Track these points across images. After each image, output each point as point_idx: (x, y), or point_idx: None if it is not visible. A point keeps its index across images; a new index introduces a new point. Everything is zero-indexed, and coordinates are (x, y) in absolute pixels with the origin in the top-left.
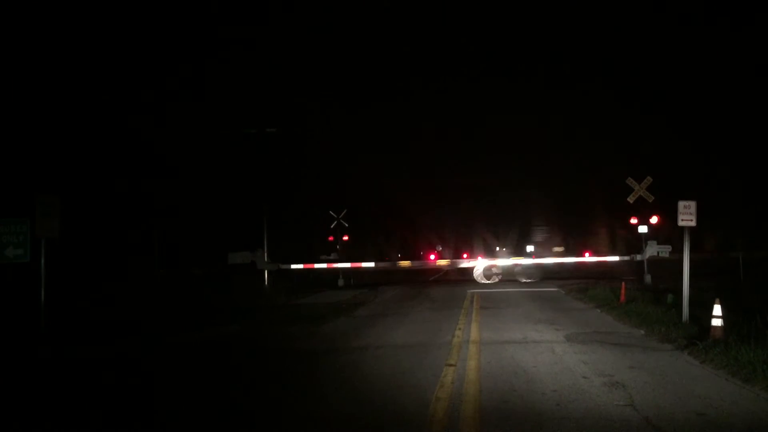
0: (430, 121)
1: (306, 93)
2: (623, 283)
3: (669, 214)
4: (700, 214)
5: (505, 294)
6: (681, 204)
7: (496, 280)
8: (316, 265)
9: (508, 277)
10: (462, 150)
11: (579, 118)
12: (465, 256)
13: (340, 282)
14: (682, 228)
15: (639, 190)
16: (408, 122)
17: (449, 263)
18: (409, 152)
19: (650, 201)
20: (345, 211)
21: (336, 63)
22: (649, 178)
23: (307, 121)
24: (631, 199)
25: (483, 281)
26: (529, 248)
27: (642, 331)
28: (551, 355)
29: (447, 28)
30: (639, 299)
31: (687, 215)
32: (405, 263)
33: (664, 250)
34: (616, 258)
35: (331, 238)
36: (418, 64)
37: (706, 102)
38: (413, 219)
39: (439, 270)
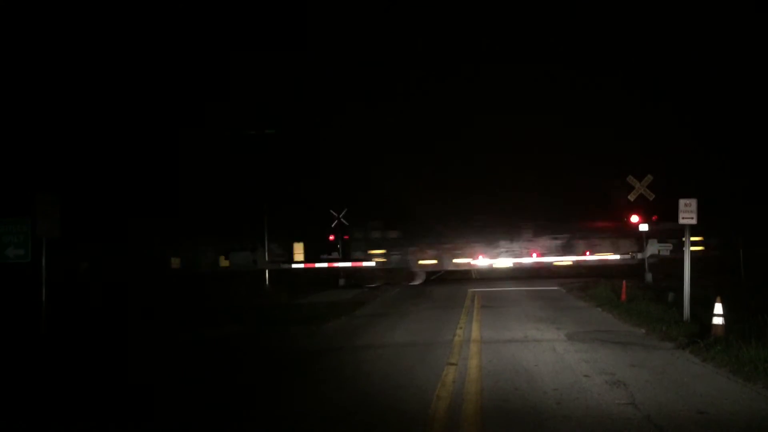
0: (431, 119)
1: (306, 90)
2: (624, 282)
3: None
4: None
5: (506, 293)
6: (682, 202)
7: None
8: (317, 265)
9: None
10: (459, 147)
11: (579, 116)
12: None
13: (341, 281)
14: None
15: (640, 188)
16: (407, 119)
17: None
18: (409, 151)
19: (651, 199)
20: (346, 210)
21: (335, 59)
22: (649, 176)
23: (308, 120)
24: (632, 197)
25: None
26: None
27: (643, 330)
28: (552, 353)
29: (451, 23)
30: (640, 298)
31: (688, 213)
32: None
33: (665, 249)
34: (616, 257)
35: (332, 238)
36: (420, 61)
37: (707, 98)
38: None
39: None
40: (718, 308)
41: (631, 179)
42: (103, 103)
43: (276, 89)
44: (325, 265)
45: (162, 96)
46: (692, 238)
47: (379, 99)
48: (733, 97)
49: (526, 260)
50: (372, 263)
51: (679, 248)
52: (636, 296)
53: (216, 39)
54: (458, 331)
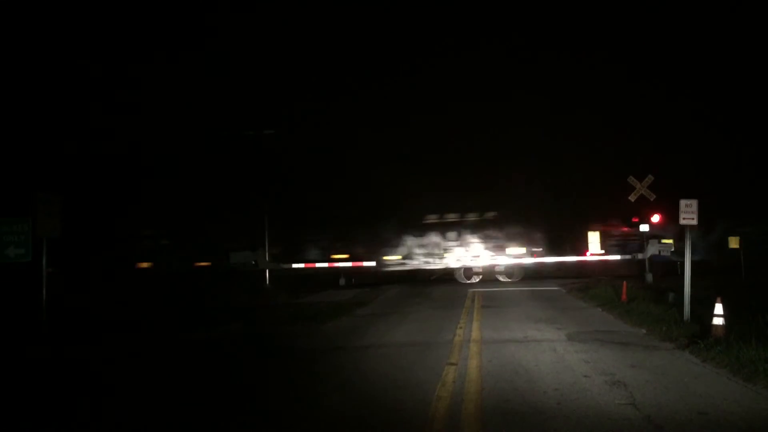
0: (427, 112)
1: (306, 88)
2: (624, 282)
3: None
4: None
5: (506, 293)
6: (683, 202)
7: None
8: (317, 264)
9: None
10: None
11: (580, 115)
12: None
13: (342, 281)
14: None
15: (640, 188)
16: (404, 112)
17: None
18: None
19: (651, 199)
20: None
21: (328, 55)
22: (650, 176)
23: (306, 117)
24: (632, 198)
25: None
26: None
27: (643, 330)
28: (552, 353)
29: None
30: (640, 298)
31: (689, 214)
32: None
33: (666, 249)
34: (617, 257)
35: None
36: (414, 50)
37: (711, 95)
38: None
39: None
40: (719, 308)
41: (632, 179)
42: (102, 103)
43: (269, 86)
44: (325, 264)
45: (159, 94)
46: None
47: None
48: (738, 94)
49: (527, 260)
50: (373, 263)
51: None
52: (636, 296)
53: (213, 38)
54: (458, 331)
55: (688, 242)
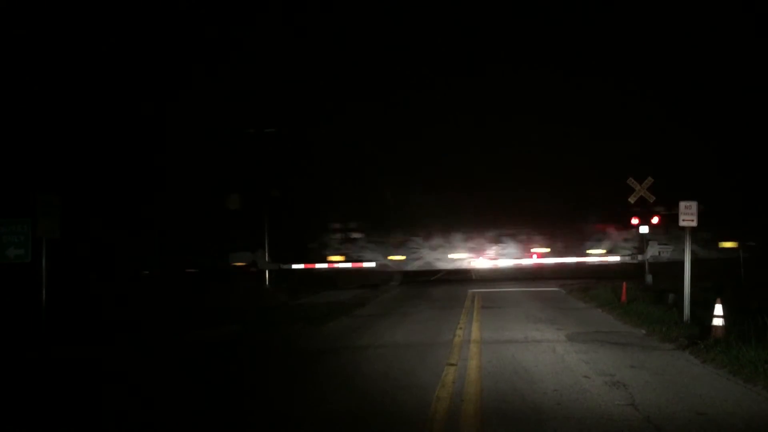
0: (429, 118)
1: (309, 89)
2: (624, 283)
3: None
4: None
5: (506, 294)
6: (682, 204)
7: None
8: (317, 265)
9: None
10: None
11: (580, 114)
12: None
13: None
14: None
15: (640, 190)
16: (405, 116)
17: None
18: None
19: (651, 201)
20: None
21: (329, 62)
22: (650, 178)
23: (311, 117)
24: (632, 200)
25: None
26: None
27: (643, 331)
28: (552, 354)
29: (455, 18)
30: (640, 299)
31: (688, 215)
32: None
33: (665, 251)
34: (617, 258)
35: None
36: (415, 65)
37: (710, 96)
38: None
39: (439, 269)
40: (718, 309)
41: (631, 181)
42: (102, 103)
43: (270, 86)
44: (325, 266)
45: (159, 93)
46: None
47: (374, 98)
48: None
49: (526, 261)
50: (372, 264)
51: None
52: (636, 297)
53: (214, 35)
54: (458, 332)
55: (687, 243)
